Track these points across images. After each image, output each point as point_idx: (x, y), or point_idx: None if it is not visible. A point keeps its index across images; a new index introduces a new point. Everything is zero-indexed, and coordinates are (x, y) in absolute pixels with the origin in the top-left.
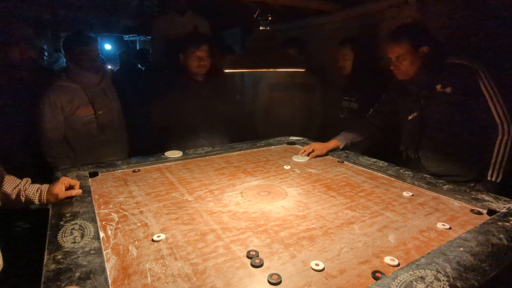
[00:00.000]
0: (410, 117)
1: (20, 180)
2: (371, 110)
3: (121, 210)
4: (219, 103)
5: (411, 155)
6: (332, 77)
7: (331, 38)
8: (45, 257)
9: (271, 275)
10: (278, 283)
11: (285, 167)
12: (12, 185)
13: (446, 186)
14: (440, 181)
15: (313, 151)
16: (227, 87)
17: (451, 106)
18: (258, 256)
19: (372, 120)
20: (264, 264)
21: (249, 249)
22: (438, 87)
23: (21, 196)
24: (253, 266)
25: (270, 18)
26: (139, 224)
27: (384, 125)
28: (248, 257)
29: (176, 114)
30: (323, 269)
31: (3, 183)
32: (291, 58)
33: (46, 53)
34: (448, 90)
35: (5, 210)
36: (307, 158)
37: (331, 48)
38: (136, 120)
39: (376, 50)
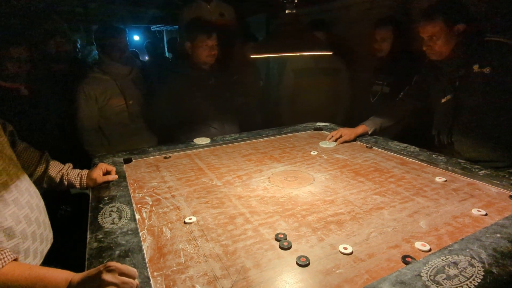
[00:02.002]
0: (443, 100)
1: (63, 165)
2: (401, 93)
3: (154, 194)
4: (226, 91)
5: (443, 140)
6: (360, 61)
7: (360, 20)
8: (88, 236)
9: (299, 257)
10: (307, 265)
11: (312, 153)
12: (56, 169)
13: (483, 172)
14: (476, 166)
15: (340, 136)
16: (235, 75)
17: (490, 88)
18: (286, 239)
19: (402, 103)
20: (292, 247)
21: (277, 232)
22: (475, 67)
23: (64, 180)
24: (282, 248)
25: (296, 0)
26: (171, 207)
27: (415, 109)
28: (277, 239)
29: (184, 105)
30: (352, 252)
31: (49, 167)
32: (318, 42)
33: (79, 46)
34: (487, 70)
35: (51, 195)
36: (335, 144)
37: (361, 30)
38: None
39: (412, 30)
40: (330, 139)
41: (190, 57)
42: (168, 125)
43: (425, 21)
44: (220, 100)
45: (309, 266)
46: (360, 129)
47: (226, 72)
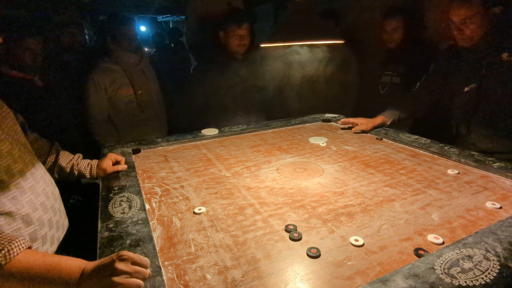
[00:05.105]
0: (467, 89)
1: (73, 156)
2: (418, 84)
3: (163, 185)
4: (256, 80)
5: (462, 130)
6: (370, 51)
7: (371, 9)
8: (99, 225)
9: (310, 249)
10: (317, 257)
11: (321, 144)
12: (67, 159)
13: (497, 164)
14: (490, 158)
15: (356, 126)
16: (264, 64)
17: None
18: (296, 230)
19: (419, 95)
20: (302, 238)
21: (287, 223)
22: (505, 55)
23: (74, 170)
24: (292, 239)
25: None
26: (181, 198)
27: (433, 101)
28: (287, 230)
29: (214, 92)
30: (363, 245)
31: (59, 158)
32: (328, 31)
33: (87, 36)
34: None
35: (62, 184)
36: (326, 139)
37: (372, 19)
38: (175, 99)
39: (423, 19)
40: (344, 123)
41: (224, 47)
42: (197, 111)
43: (460, 2)
44: (250, 88)
45: (320, 258)
46: (379, 119)
47: (256, 62)
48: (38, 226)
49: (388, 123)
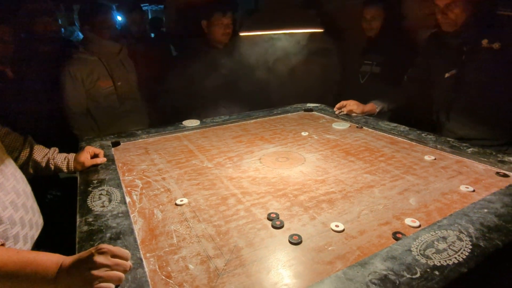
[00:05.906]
0: (447, 75)
1: (48, 150)
2: (405, 77)
3: (144, 177)
4: (238, 70)
5: (442, 117)
6: (350, 40)
7: None
8: (77, 220)
9: (291, 236)
10: (299, 243)
11: (302, 133)
12: (42, 153)
13: (471, 149)
14: (464, 144)
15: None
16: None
17: (498, 64)
18: (278, 218)
19: (408, 87)
20: (284, 226)
21: (270, 211)
22: (484, 42)
23: (50, 164)
24: (274, 227)
25: None
26: (162, 190)
27: (421, 92)
28: (269, 219)
29: (196, 83)
30: (343, 230)
31: (33, 152)
32: (309, 18)
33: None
34: (496, 46)
35: (38, 180)
36: (348, 125)
37: (352, 8)
38: (156, 90)
39: (402, 9)
40: (338, 108)
41: (206, 36)
42: (178, 103)
43: None
44: (232, 79)
45: (301, 244)
46: (369, 106)
47: (238, 51)
48: (9, 225)
49: (377, 110)
